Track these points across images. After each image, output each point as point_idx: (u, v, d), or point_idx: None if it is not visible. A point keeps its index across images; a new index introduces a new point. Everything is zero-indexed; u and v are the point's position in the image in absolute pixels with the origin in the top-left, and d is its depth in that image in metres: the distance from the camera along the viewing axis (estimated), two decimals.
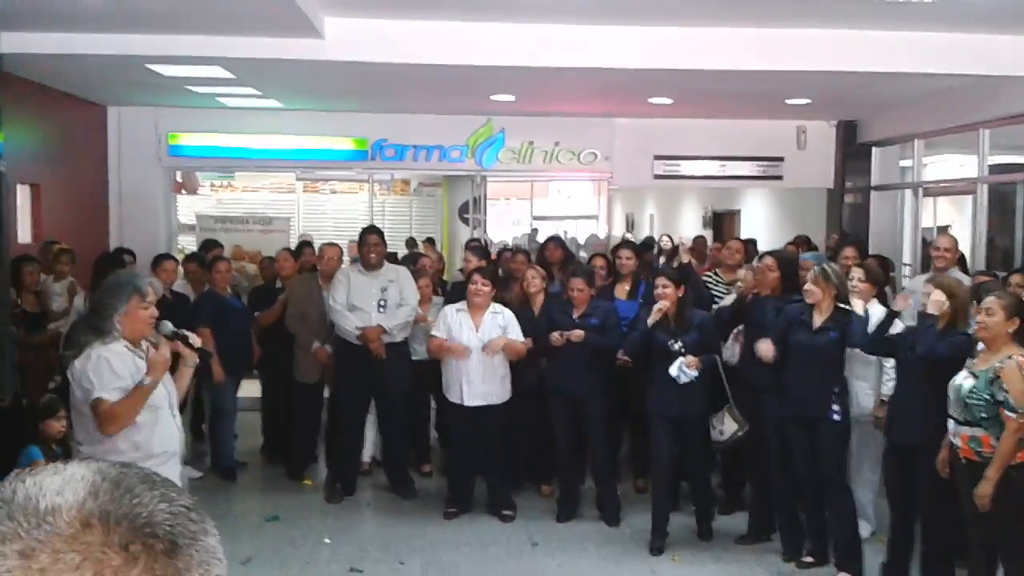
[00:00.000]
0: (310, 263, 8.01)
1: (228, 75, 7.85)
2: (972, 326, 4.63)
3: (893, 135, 10.02)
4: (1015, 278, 5.95)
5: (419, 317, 6.79)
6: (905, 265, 9.91)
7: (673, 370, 5.57)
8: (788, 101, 9.13)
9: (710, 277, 7.26)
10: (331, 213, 12.86)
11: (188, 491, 0.87)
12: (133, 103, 10.04)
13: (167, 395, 3.90)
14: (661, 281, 5.77)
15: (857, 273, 5.61)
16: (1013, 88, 7.38)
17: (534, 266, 7.03)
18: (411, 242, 11.95)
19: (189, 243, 11.24)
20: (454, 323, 6.20)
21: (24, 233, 8.39)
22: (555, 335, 6.05)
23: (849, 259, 6.57)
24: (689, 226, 15.44)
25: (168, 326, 3.97)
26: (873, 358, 5.52)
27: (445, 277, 8.85)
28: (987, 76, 7.30)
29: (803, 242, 9.15)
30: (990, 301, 4.43)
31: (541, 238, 11.80)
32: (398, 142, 10.67)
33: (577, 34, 6.96)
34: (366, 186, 11.98)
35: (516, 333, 6.19)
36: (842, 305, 5.23)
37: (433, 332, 6.32)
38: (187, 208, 12.04)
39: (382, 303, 6.55)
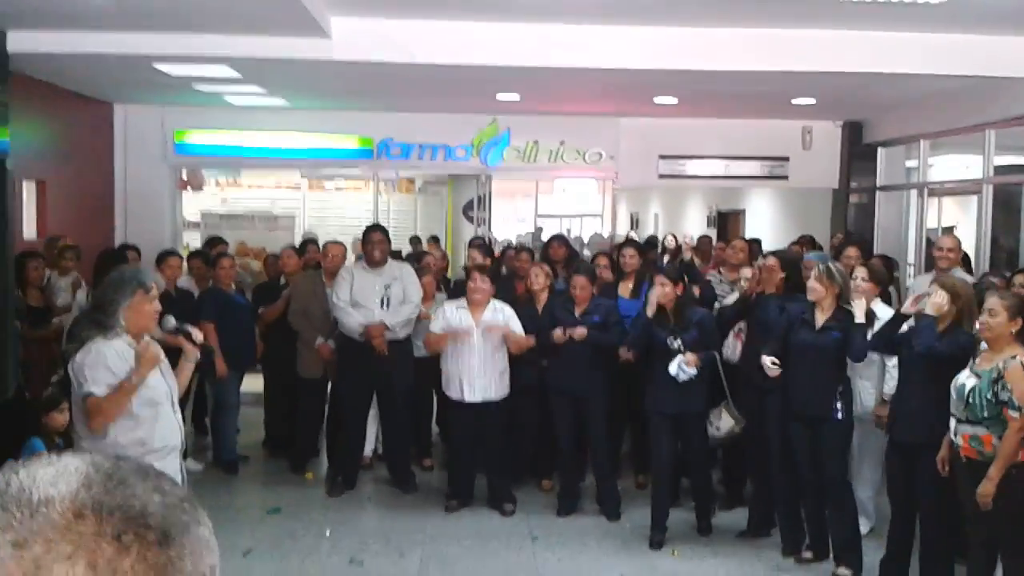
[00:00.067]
0: (314, 260, 8.03)
1: (235, 74, 7.87)
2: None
3: (899, 136, 10.00)
4: (1019, 278, 5.94)
5: (422, 314, 6.80)
6: (909, 265, 9.89)
7: (672, 368, 5.58)
8: (794, 101, 9.12)
9: (713, 276, 7.26)
10: (336, 211, 12.85)
11: (189, 484, 0.88)
12: (139, 101, 10.07)
13: (168, 390, 3.90)
14: (660, 279, 5.79)
15: (860, 272, 5.61)
16: (1019, 89, 7.36)
17: (539, 263, 7.04)
18: (415, 240, 11.95)
19: (194, 240, 11.28)
20: (453, 319, 6.22)
21: (29, 229, 8.42)
22: (557, 332, 6.06)
23: (852, 258, 6.55)
24: (694, 226, 15.38)
25: (171, 321, 3.98)
26: (876, 357, 5.51)
27: (449, 275, 8.87)
28: (993, 77, 7.28)
29: (807, 242, 9.11)
30: (993, 302, 4.42)
31: (545, 236, 11.79)
32: (404, 141, 10.69)
33: (582, 34, 6.96)
34: (371, 184, 11.99)
35: (517, 329, 6.21)
36: (845, 306, 5.23)
37: (432, 328, 6.33)
38: (192, 205, 12.06)
39: (385, 300, 6.57)
